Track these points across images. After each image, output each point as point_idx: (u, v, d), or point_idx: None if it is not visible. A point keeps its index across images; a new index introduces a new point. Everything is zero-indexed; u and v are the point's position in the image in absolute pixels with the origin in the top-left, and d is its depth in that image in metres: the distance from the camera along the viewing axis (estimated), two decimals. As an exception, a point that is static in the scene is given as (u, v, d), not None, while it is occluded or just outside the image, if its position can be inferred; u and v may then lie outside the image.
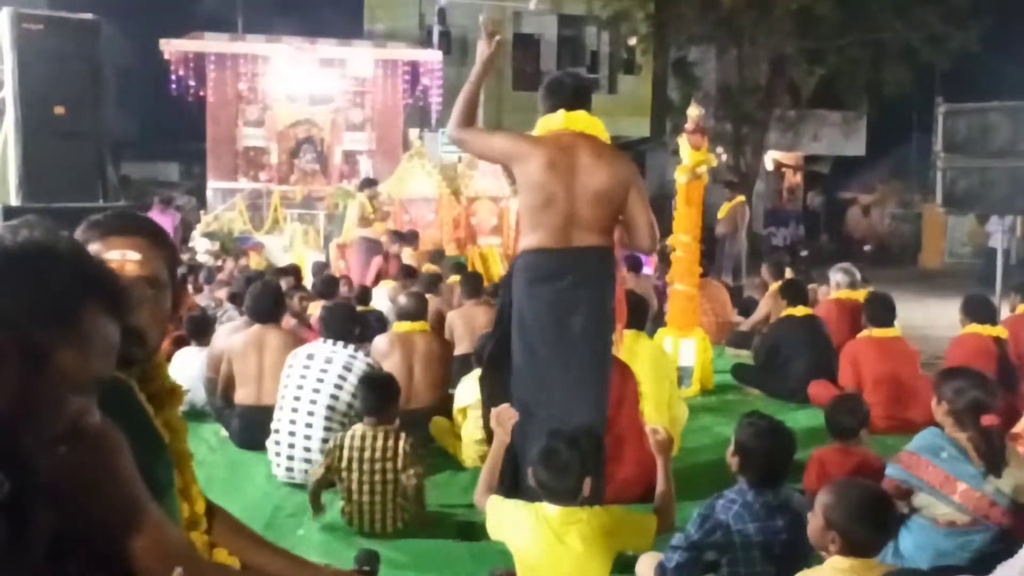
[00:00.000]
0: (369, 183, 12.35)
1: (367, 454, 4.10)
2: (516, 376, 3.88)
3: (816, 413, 5.51)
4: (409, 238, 12.04)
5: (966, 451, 3.36)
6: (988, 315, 6.14)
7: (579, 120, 3.86)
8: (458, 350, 6.51)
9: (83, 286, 1.26)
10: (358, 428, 4.20)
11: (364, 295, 8.16)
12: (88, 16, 7.28)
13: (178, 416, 1.93)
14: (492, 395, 4.02)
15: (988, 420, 3.42)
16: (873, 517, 2.62)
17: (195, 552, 1.78)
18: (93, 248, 1.74)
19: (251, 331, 5.53)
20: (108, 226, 1.79)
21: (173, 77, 16.71)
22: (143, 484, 1.59)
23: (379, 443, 4.12)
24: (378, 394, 4.27)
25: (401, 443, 4.13)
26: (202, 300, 8.81)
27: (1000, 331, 6.05)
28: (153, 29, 17.10)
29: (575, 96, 3.93)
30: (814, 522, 2.66)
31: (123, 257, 1.75)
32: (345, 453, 4.12)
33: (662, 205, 21.43)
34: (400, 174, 14.35)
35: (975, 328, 6.02)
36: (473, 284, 7.41)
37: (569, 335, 3.76)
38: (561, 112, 3.88)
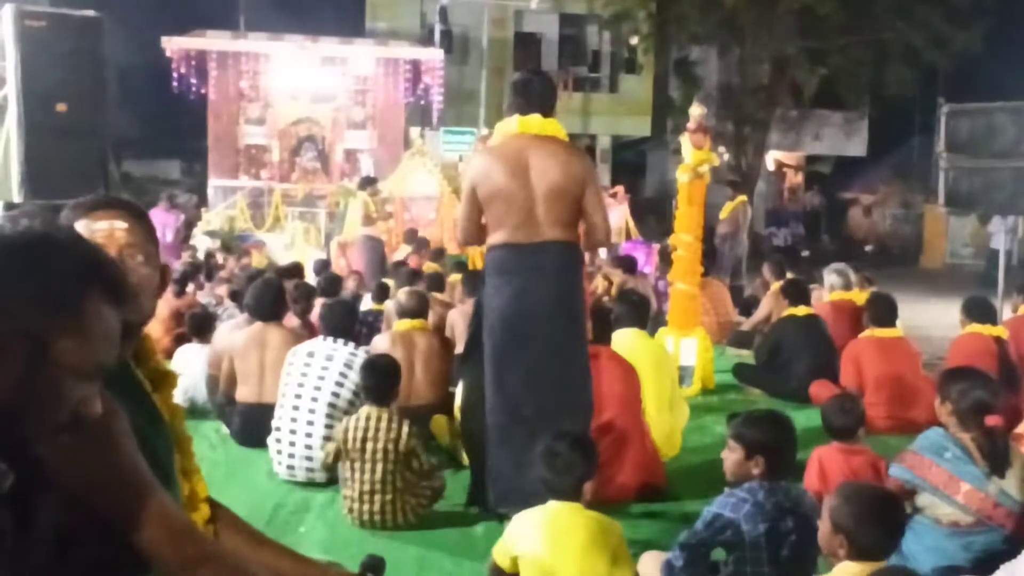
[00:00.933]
0: (369, 182, 12.36)
1: (371, 434, 4.15)
2: (486, 368, 4.07)
3: (817, 413, 5.50)
4: (409, 236, 12.07)
5: (970, 451, 3.35)
6: (988, 315, 6.14)
7: (532, 124, 4.07)
8: (459, 348, 6.49)
9: (84, 275, 1.26)
10: (363, 410, 4.25)
11: (383, 292, 8.12)
12: (90, 13, 7.28)
13: (173, 398, 1.95)
14: (470, 389, 4.25)
15: (991, 421, 3.41)
16: (881, 518, 2.58)
17: (203, 534, 1.78)
18: (80, 224, 1.78)
19: (252, 328, 5.53)
20: (91, 203, 1.84)
21: (175, 75, 16.70)
22: (146, 465, 1.59)
23: (383, 423, 4.17)
24: (379, 376, 4.34)
25: (405, 426, 4.19)
26: (203, 297, 8.81)
27: (1001, 331, 6.05)
28: (155, 27, 17.10)
29: (536, 99, 4.11)
30: (823, 527, 2.64)
31: (111, 226, 1.78)
32: (351, 434, 4.17)
33: (663, 204, 21.49)
34: (401, 172, 14.37)
35: (976, 328, 6.02)
36: (475, 282, 7.37)
37: (532, 326, 3.97)
38: (516, 117, 4.10)
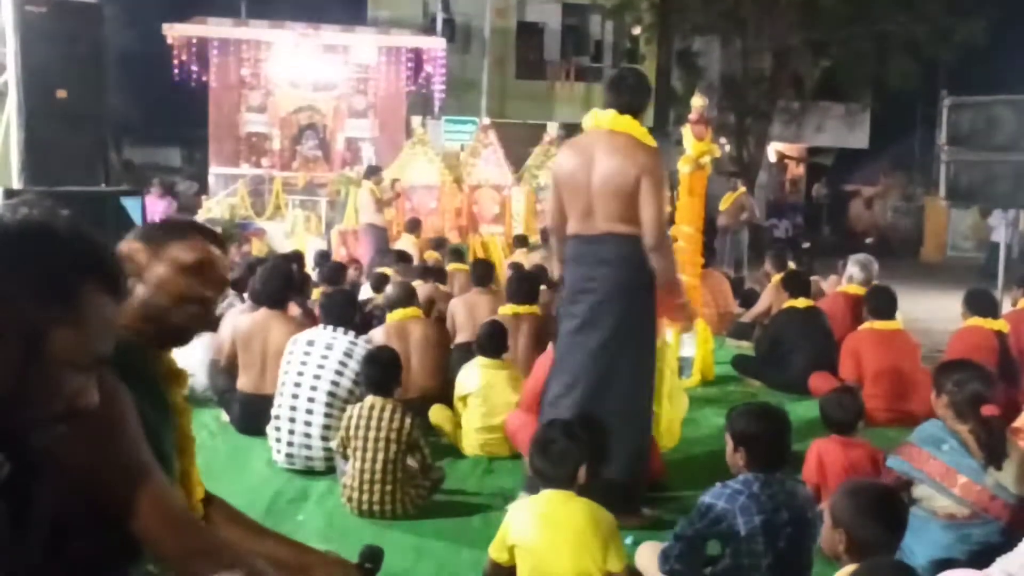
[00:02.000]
0: (374, 171, 12.38)
1: (373, 423, 4.17)
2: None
3: (816, 405, 5.50)
4: (410, 226, 12.08)
5: (967, 444, 3.35)
6: (990, 308, 6.13)
7: (604, 119, 4.15)
8: (460, 338, 6.50)
9: (82, 265, 1.26)
10: (368, 400, 4.28)
11: (381, 282, 8.12)
12: (91, -1, 7.24)
13: (183, 398, 1.95)
14: None
15: (988, 410, 3.41)
16: (880, 513, 2.57)
17: (197, 519, 1.79)
18: (198, 245, 1.87)
19: (257, 315, 5.53)
20: (206, 231, 1.94)
21: (176, 62, 16.66)
22: (151, 454, 1.59)
23: (387, 414, 4.19)
24: (381, 368, 4.36)
25: (408, 417, 4.22)
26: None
27: (1001, 324, 6.04)
28: (156, 13, 17.06)
29: (625, 95, 4.18)
30: (825, 526, 2.64)
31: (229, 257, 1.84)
32: (354, 421, 4.21)
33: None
34: (402, 162, 14.35)
35: (977, 321, 6.02)
36: (482, 272, 7.32)
37: (586, 317, 4.02)
38: (593, 111, 4.23)
